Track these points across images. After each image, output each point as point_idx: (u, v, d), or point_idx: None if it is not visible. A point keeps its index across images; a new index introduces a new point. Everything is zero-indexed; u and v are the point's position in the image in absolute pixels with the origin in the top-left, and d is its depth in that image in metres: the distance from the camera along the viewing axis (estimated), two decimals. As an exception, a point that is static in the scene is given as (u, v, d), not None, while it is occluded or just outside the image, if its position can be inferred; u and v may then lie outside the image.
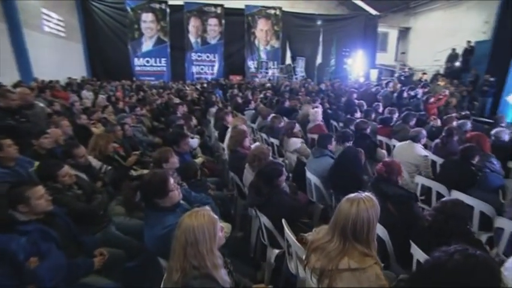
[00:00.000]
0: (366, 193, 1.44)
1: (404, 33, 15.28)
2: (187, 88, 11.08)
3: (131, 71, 13.72)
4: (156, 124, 6.32)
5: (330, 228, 1.43)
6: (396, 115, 5.60)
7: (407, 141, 3.41)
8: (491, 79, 8.50)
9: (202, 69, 14.69)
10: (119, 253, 2.03)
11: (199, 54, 14.55)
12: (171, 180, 1.70)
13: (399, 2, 14.03)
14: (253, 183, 2.26)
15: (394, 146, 4.40)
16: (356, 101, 6.76)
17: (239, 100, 7.82)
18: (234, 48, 14.95)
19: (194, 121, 4.69)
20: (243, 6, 14.35)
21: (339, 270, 1.31)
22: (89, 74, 13.03)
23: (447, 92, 6.66)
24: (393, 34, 15.57)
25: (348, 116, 6.45)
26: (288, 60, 14.83)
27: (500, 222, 2.18)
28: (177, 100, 7.49)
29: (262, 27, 14.83)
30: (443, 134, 3.57)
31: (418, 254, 1.72)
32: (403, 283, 1.44)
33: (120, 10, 13.34)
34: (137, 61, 13.93)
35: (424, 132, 3.31)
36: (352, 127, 4.48)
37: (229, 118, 4.57)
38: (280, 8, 14.70)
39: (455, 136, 3.52)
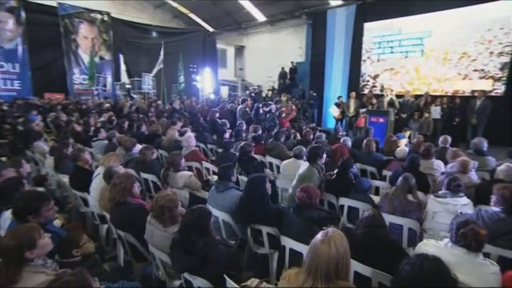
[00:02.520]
0: (330, 228, 1.59)
1: (240, 50, 17.65)
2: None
3: None
4: None
5: (308, 275, 1.47)
6: (260, 131, 6.39)
7: (291, 159, 3.96)
8: (314, 94, 11.27)
9: (-4, 84, 11.15)
10: None
11: (-14, 62, 10.97)
12: (92, 283, 1.21)
13: (231, 22, 16.09)
14: (180, 241, 1.96)
15: (269, 163, 5.00)
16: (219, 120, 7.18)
17: (77, 127, 6.50)
18: (47, 57, 12.29)
19: (26, 166, 3.48)
20: (54, 4, 12.05)
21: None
22: None
23: (294, 107, 8.27)
24: (231, 51, 17.67)
25: (214, 137, 6.80)
26: (124, 76, 13.74)
27: (379, 217, 2.93)
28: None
29: (86, 33, 13.02)
30: (313, 147, 4.40)
31: (356, 266, 2.05)
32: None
33: None
34: None
35: (305, 149, 3.96)
36: (233, 150, 4.75)
37: (86, 156, 3.73)
38: (108, 14, 13.45)
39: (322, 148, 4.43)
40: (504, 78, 7.95)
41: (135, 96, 13.08)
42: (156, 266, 2.45)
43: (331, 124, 11.48)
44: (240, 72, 17.83)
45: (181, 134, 5.62)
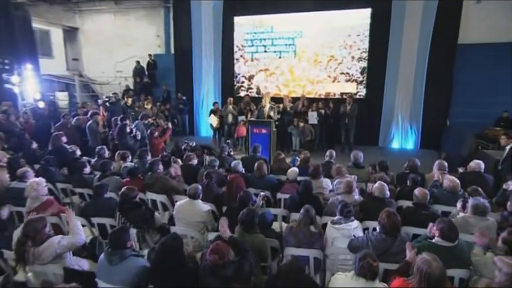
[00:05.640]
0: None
1: (72, 34, 16.12)
2: None
3: None
4: None
5: None
6: (130, 159, 6.38)
7: (186, 200, 4.31)
8: (184, 98, 11.69)
9: None
10: None
11: None
12: None
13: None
14: None
15: (149, 200, 5.13)
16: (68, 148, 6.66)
17: None
18: None
19: None
20: None
21: None
22: None
23: (170, 124, 8.43)
24: (57, 34, 15.78)
25: (65, 171, 6.32)
26: None
27: (287, 251, 3.69)
28: None
29: None
30: (205, 179, 4.89)
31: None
32: None
33: None
34: None
35: (200, 187, 4.37)
36: (107, 195, 4.68)
37: None
38: None
39: (214, 178, 4.97)
40: (364, 82, 10.53)
41: None
42: None
43: (205, 132, 12.21)
44: (75, 64, 16.28)
45: (18, 176, 5.03)
